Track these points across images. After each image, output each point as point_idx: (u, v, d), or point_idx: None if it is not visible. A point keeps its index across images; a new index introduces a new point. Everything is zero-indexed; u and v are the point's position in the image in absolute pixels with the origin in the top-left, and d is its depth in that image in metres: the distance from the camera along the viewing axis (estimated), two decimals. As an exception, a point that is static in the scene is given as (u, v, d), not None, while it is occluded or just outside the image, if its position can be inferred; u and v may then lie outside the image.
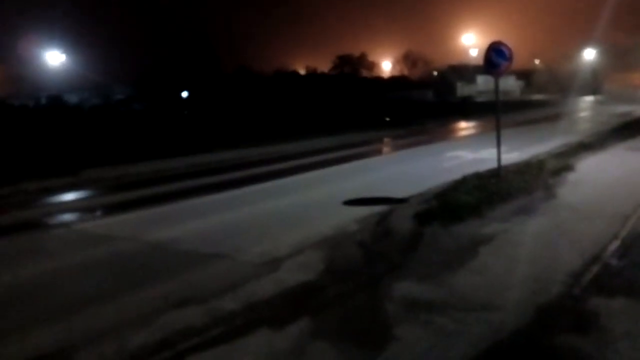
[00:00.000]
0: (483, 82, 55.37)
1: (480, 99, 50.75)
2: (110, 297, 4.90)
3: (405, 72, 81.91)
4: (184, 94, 46.49)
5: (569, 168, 9.91)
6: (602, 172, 9.90)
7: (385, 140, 20.63)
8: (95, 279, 5.55)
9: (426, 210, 6.98)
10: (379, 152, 17.60)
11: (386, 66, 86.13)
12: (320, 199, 9.18)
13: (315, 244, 6.28)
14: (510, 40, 9.49)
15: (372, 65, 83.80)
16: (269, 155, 15.79)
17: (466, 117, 30.06)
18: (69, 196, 10.66)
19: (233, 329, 4.14)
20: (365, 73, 79.76)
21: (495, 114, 9.38)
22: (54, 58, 35.39)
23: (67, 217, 8.76)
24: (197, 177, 12.13)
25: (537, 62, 76.11)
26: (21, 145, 16.51)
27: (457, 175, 9.31)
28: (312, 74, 75.04)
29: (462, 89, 61.21)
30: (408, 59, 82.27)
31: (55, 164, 13.14)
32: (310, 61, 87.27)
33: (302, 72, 78.86)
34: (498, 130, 9.17)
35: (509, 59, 8.63)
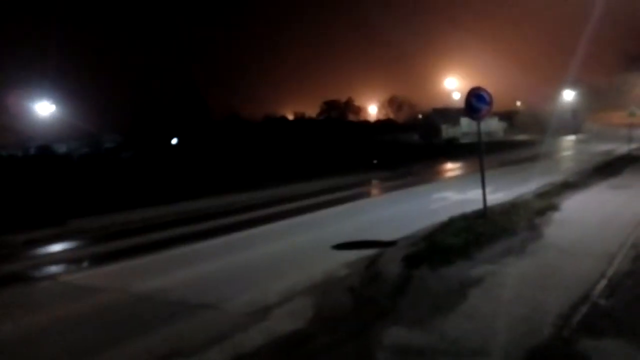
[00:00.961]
0: (467, 124, 56.44)
1: (464, 141, 51.60)
2: (94, 352, 4.78)
3: (391, 115, 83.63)
4: (174, 141, 46.75)
5: (554, 207, 10.04)
6: (587, 211, 10.03)
7: (373, 182, 20.78)
8: (80, 332, 5.42)
9: (415, 253, 6.99)
10: (367, 194, 17.69)
11: (372, 110, 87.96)
12: (309, 243, 9.15)
13: (304, 291, 6.23)
14: (491, 82, 9.86)
15: (359, 110, 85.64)
16: (258, 200, 15.79)
17: (451, 158, 30.52)
18: (55, 247, 10.51)
19: (220, 382, 4.05)
20: (352, 117, 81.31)
21: (479, 155, 9.56)
22: (44, 109, 35.63)
23: (53, 269, 8.60)
24: (185, 225, 12.03)
25: (518, 103, 78.22)
26: (8, 196, 16.36)
27: (444, 216, 9.38)
28: (300, 119, 76.20)
29: (447, 131, 62.36)
30: (393, 102, 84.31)
31: (41, 214, 13.03)
32: (298, 106, 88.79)
33: (291, 117, 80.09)
34: (482, 171, 9.32)
35: (489, 103, 8.89)
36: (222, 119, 57.97)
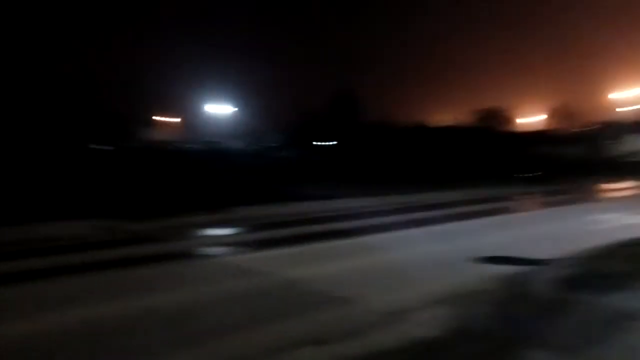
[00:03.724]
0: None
1: (636, 159, 45.48)
2: (241, 329, 5.24)
3: (554, 126, 76.86)
4: (331, 143, 49.09)
5: None
6: None
7: (526, 197, 19.45)
8: (231, 309, 5.94)
9: (569, 275, 6.44)
10: (517, 209, 16.65)
11: (533, 119, 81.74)
12: (452, 253, 8.93)
13: (444, 299, 6.11)
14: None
15: (515, 119, 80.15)
16: (404, 204, 15.85)
17: (621, 177, 27.19)
18: (220, 231, 11.75)
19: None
20: (508, 127, 76.51)
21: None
22: (225, 109, 40.33)
23: (217, 249, 9.65)
24: (335, 221, 12.71)
25: None
26: (185, 183, 18.67)
27: (607, 239, 8.45)
28: (453, 127, 74.03)
29: (617, 147, 55.51)
30: (557, 113, 77.26)
31: (210, 200, 14.63)
32: (452, 113, 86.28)
33: (446, 123, 78.20)
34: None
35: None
36: (374, 124, 59.05)
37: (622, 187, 23.15)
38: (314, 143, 47.34)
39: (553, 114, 76.35)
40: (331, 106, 57.14)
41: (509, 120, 79.62)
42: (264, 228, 11.91)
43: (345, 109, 56.21)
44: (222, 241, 10.72)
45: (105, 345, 4.92)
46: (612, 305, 5.50)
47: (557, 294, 5.92)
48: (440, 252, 9.04)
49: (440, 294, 6.31)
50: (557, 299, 5.79)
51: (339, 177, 24.62)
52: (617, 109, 53.68)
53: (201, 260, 8.76)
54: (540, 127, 76.51)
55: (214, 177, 22.29)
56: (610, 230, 10.27)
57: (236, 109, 39.88)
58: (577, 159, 48.39)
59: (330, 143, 49.48)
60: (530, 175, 25.38)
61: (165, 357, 4.64)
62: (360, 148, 42.53)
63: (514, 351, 4.55)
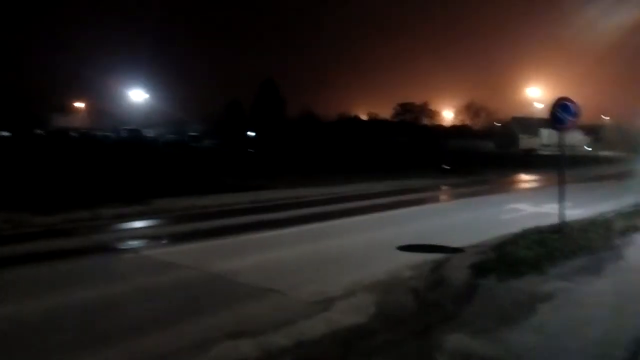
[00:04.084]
0: (547, 135, 53.92)
1: (544, 152, 49.36)
2: (169, 324, 5.13)
3: (467, 121, 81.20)
4: (251, 134, 48.56)
5: (637, 229, 9.44)
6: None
7: (444, 188, 20.42)
8: (156, 304, 5.79)
9: (483, 261, 6.87)
10: (436, 199, 17.44)
11: (448, 115, 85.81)
12: (375, 242, 9.22)
13: (368, 287, 6.32)
14: (577, 94, 9.41)
15: (434, 114, 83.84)
16: (328, 196, 16.04)
17: (528, 169, 29.33)
18: (139, 224, 11.23)
19: (283, 364, 4.22)
20: (426, 121, 79.80)
21: (559, 168, 9.18)
22: (138, 96, 38.46)
23: (136, 243, 9.22)
24: (258, 213, 12.51)
25: (605, 117, 73.42)
26: (99, 173, 17.65)
27: (516, 228, 9.10)
28: (373, 120, 76.00)
29: (526, 142, 59.82)
30: (470, 108, 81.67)
31: (128, 192, 13.95)
32: (372, 107, 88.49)
33: (365, 117, 80.00)
34: (561, 184, 8.95)
35: (576, 115, 8.51)
36: (296, 116, 59.30)
37: (532, 179, 24.96)
38: (237, 133, 46.73)
39: (470, 109, 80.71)
40: (254, 96, 56.70)
41: (429, 114, 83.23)
42: (185, 220, 11.57)
43: (268, 99, 55.99)
44: (141, 234, 10.27)
45: (16, 346, 4.61)
46: (520, 289, 5.93)
47: (471, 280, 6.27)
48: (365, 242, 9.29)
49: (365, 282, 6.51)
50: (471, 284, 6.14)
51: (262, 168, 24.48)
52: (534, 104, 57.47)
53: (119, 254, 8.34)
54: (458, 122, 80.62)
55: (131, 166, 21.33)
56: (521, 219, 11.06)
57: (147, 95, 38.32)
58: (492, 152, 51.58)
59: (253, 134, 49.12)
60: (449, 167, 26.64)
61: (79, 358, 4.40)
62: (283, 139, 42.60)
63: (432, 335, 4.78)
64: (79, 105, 61.02)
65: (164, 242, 9.42)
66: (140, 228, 10.89)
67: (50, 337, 4.78)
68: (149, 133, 49.21)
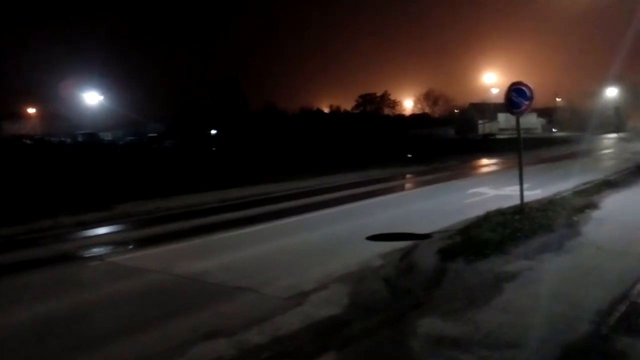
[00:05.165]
0: (504, 119, 55.44)
1: (501, 136, 50.72)
2: (141, 328, 5.07)
3: (427, 110, 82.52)
4: (213, 132, 47.86)
5: (593, 206, 9.87)
6: (627, 210, 9.82)
7: (408, 176, 20.74)
8: (126, 310, 5.70)
9: (449, 246, 7.04)
10: (401, 188, 17.70)
11: (408, 104, 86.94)
12: (344, 234, 9.30)
13: (340, 279, 6.39)
14: (531, 78, 9.73)
15: (395, 104, 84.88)
16: (294, 190, 16.04)
17: (488, 154, 30.11)
18: (102, 230, 10.97)
19: (260, 362, 4.23)
20: (387, 111, 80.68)
21: (518, 151, 9.48)
22: (92, 98, 37.20)
23: (101, 250, 9.01)
24: (225, 212, 12.41)
25: (558, 99, 76.01)
26: (58, 180, 17.07)
27: (479, 211, 9.34)
28: (335, 112, 76.26)
29: (484, 127, 61.29)
30: (429, 97, 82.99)
31: (89, 198, 13.58)
32: (334, 99, 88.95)
33: (326, 110, 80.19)
34: (520, 167, 9.25)
35: (530, 98, 8.77)
36: (258, 111, 58.80)
37: (493, 163, 25.65)
38: (198, 132, 45.98)
39: (429, 97, 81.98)
40: (214, 93, 55.88)
41: (390, 104, 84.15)
42: (150, 224, 11.35)
43: (228, 95, 55.28)
44: (105, 241, 10.03)
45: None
46: (486, 270, 6.12)
47: (439, 264, 6.43)
48: (335, 234, 9.37)
49: (337, 274, 6.58)
50: (440, 269, 6.29)
51: (225, 166, 24.22)
52: (491, 89, 58.69)
53: (84, 262, 8.13)
54: (418, 110, 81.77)
55: (90, 171, 20.73)
56: (484, 202, 11.36)
57: (102, 97, 37.20)
58: (453, 138, 52.59)
59: (214, 132, 48.45)
60: (411, 156, 27.04)
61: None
62: (246, 135, 42.21)
63: (405, 321, 4.89)
64: (31, 110, 58.80)
65: (129, 247, 9.23)
66: (105, 234, 10.65)
67: (18, 351, 4.64)
68: (107, 136, 47.94)
